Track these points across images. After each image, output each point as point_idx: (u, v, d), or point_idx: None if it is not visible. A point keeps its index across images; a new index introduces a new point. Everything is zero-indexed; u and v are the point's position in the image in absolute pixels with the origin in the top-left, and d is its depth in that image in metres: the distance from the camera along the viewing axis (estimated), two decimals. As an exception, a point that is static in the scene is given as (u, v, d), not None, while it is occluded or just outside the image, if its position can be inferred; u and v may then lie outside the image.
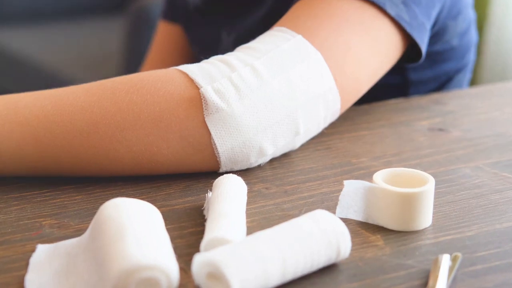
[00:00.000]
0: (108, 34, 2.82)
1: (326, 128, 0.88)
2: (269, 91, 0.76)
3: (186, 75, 0.75)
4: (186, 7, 1.16)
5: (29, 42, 2.81)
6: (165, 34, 1.25)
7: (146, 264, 0.54)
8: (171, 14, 1.22)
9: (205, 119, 0.74)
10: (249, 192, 0.74)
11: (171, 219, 0.69)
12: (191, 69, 0.76)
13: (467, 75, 1.12)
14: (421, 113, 0.96)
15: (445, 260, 0.61)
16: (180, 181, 0.76)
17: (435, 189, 0.75)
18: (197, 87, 0.74)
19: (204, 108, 0.74)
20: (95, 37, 2.86)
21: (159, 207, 0.70)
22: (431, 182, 0.68)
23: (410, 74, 1.02)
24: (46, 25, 2.96)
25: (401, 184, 0.69)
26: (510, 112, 0.96)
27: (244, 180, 0.75)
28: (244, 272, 0.55)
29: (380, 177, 0.69)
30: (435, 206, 0.72)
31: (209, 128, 0.74)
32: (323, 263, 0.60)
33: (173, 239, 0.65)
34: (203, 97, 0.74)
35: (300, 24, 0.83)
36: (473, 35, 1.09)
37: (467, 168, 0.80)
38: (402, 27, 0.88)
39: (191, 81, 0.75)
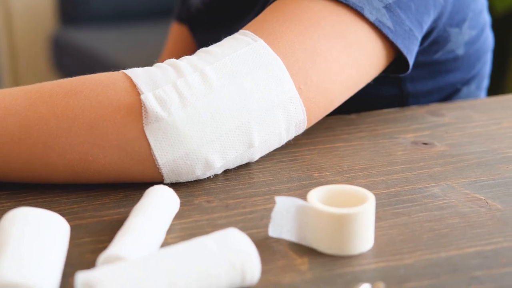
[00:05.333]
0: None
1: (301, 138, 0.83)
2: (217, 100, 0.71)
3: (130, 79, 0.72)
4: (189, 9, 1.13)
5: (111, 43, 2.85)
6: (176, 35, 1.22)
7: (11, 281, 0.51)
8: (180, 15, 1.20)
9: (144, 128, 0.70)
10: (188, 205, 0.70)
11: (92, 232, 0.65)
12: (137, 73, 0.72)
13: (482, 84, 1.04)
14: (411, 125, 0.89)
15: (362, 291, 0.56)
16: (120, 190, 0.72)
17: (391, 209, 0.69)
18: (139, 93, 0.71)
19: (144, 116, 0.70)
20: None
21: (87, 218, 0.68)
22: (369, 202, 0.63)
23: (407, 86, 0.96)
24: (128, 26, 3.00)
25: (339, 203, 0.64)
26: (508, 126, 0.88)
27: (187, 192, 0.72)
28: (122, 294, 0.51)
29: (316, 195, 0.63)
30: (383, 228, 0.66)
31: (148, 138, 0.70)
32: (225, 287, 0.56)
33: (84, 254, 0.61)
34: (143, 104, 0.70)
35: (265, 27, 0.78)
36: (486, 41, 1.01)
37: (437, 187, 0.74)
38: (384, 34, 0.81)
39: (134, 86, 0.71)
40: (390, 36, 0.81)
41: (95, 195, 0.71)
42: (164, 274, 0.53)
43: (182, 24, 1.20)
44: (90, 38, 2.94)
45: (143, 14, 3.06)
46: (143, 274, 0.52)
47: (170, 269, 0.53)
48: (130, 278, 0.52)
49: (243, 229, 0.65)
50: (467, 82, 1.00)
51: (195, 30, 1.13)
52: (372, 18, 0.80)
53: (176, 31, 1.22)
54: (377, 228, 0.66)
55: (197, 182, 0.74)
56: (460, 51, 0.96)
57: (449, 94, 0.99)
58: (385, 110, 0.93)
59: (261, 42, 0.76)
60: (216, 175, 0.75)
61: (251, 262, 0.56)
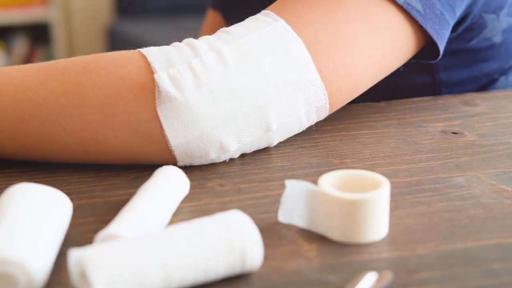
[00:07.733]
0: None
1: (324, 124, 0.80)
2: (233, 81, 0.69)
3: (144, 58, 0.70)
4: (222, -6, 1.11)
5: (166, 35, 2.85)
6: (210, 21, 1.21)
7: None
8: (214, 2, 1.18)
9: (157, 108, 0.68)
10: (199, 188, 0.68)
11: (97, 212, 0.63)
12: (152, 52, 0.70)
13: (523, 75, 1.00)
14: (441, 114, 0.85)
15: (367, 279, 0.53)
16: (131, 171, 0.70)
17: (411, 198, 0.66)
18: (152, 72, 0.69)
19: (157, 96, 0.68)
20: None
21: (94, 198, 0.66)
22: (383, 188, 0.60)
23: (440, 74, 0.92)
24: (183, 19, 3.01)
25: (353, 189, 0.61)
26: (544, 117, 0.84)
27: (200, 175, 0.70)
28: (112, 274, 0.49)
29: (328, 180, 0.61)
30: (399, 216, 0.63)
31: (161, 118, 0.67)
32: (224, 271, 0.53)
33: (85, 233, 0.60)
34: (156, 84, 0.68)
35: (287, 8, 0.75)
36: (528, 30, 0.96)
37: (462, 177, 0.70)
38: (413, 17, 0.78)
39: (148, 65, 0.69)
40: (419, 19, 0.78)
41: (106, 175, 0.70)
42: (159, 255, 0.51)
43: (216, 10, 1.18)
44: (145, 30, 2.96)
45: (197, 6, 3.06)
46: (137, 254, 0.50)
47: (165, 250, 0.51)
48: (123, 257, 0.50)
49: (252, 213, 0.62)
50: (505, 72, 0.96)
51: (227, 16, 1.11)
52: (400, 0, 0.77)
53: (210, 18, 1.21)
54: (394, 217, 0.63)
55: (212, 165, 0.72)
56: (497, 39, 0.92)
57: (485, 84, 0.95)
58: (415, 99, 0.90)
59: (282, 22, 0.73)
60: (232, 159, 0.73)
61: (251, 245, 0.54)
